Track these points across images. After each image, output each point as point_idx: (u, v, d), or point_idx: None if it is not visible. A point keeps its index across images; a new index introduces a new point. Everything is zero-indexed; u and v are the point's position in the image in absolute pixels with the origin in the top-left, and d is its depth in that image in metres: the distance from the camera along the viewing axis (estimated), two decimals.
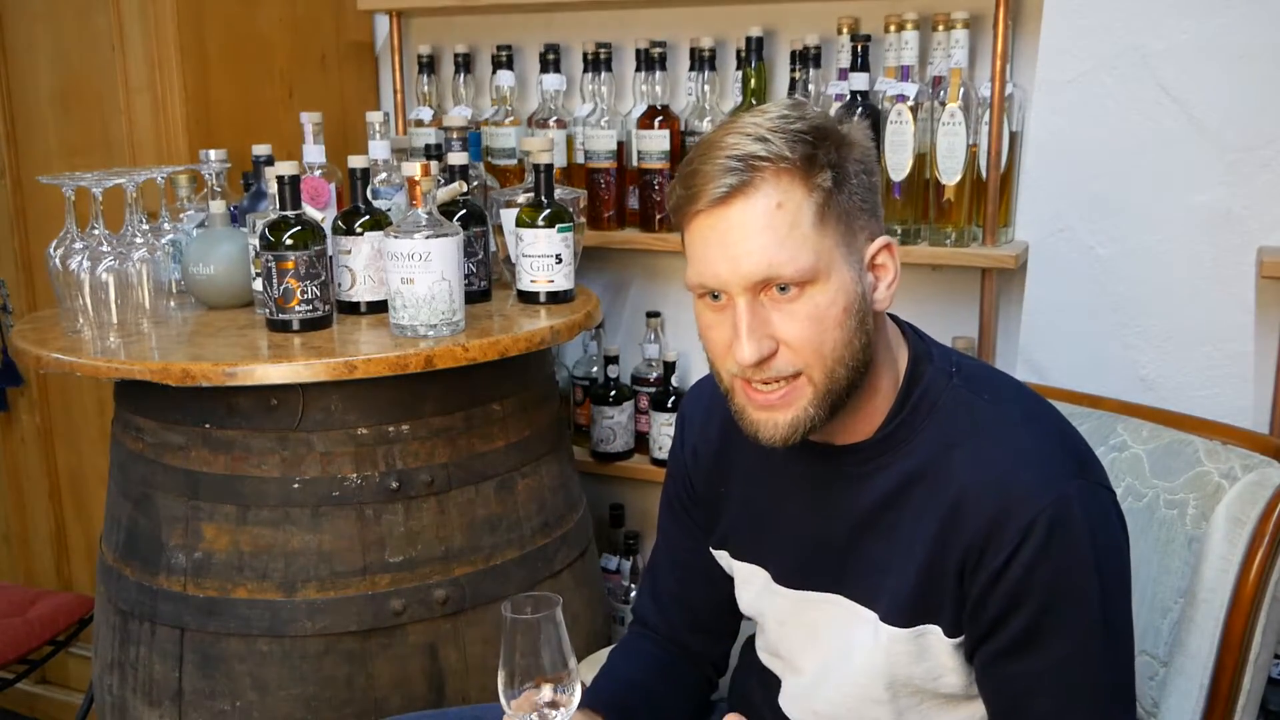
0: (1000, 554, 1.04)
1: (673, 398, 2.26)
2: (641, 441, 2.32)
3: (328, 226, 1.80)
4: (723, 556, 1.32)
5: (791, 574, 1.22)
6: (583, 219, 2.04)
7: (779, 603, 1.24)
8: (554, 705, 1.07)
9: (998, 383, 1.17)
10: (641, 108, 2.16)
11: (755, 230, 1.03)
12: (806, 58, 2.00)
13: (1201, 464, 1.36)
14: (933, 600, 1.10)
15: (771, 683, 1.29)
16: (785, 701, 1.27)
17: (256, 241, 1.73)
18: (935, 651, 1.12)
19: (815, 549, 1.19)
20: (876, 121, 1.90)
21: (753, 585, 1.27)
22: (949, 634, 1.10)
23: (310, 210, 1.79)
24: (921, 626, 1.11)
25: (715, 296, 1.07)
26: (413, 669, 1.65)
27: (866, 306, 1.08)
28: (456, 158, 1.91)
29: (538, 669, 1.06)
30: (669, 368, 2.27)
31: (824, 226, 1.04)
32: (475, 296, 1.87)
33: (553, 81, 2.21)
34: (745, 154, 1.02)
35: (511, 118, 2.27)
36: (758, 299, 1.04)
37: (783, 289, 1.04)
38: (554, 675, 1.06)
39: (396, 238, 1.64)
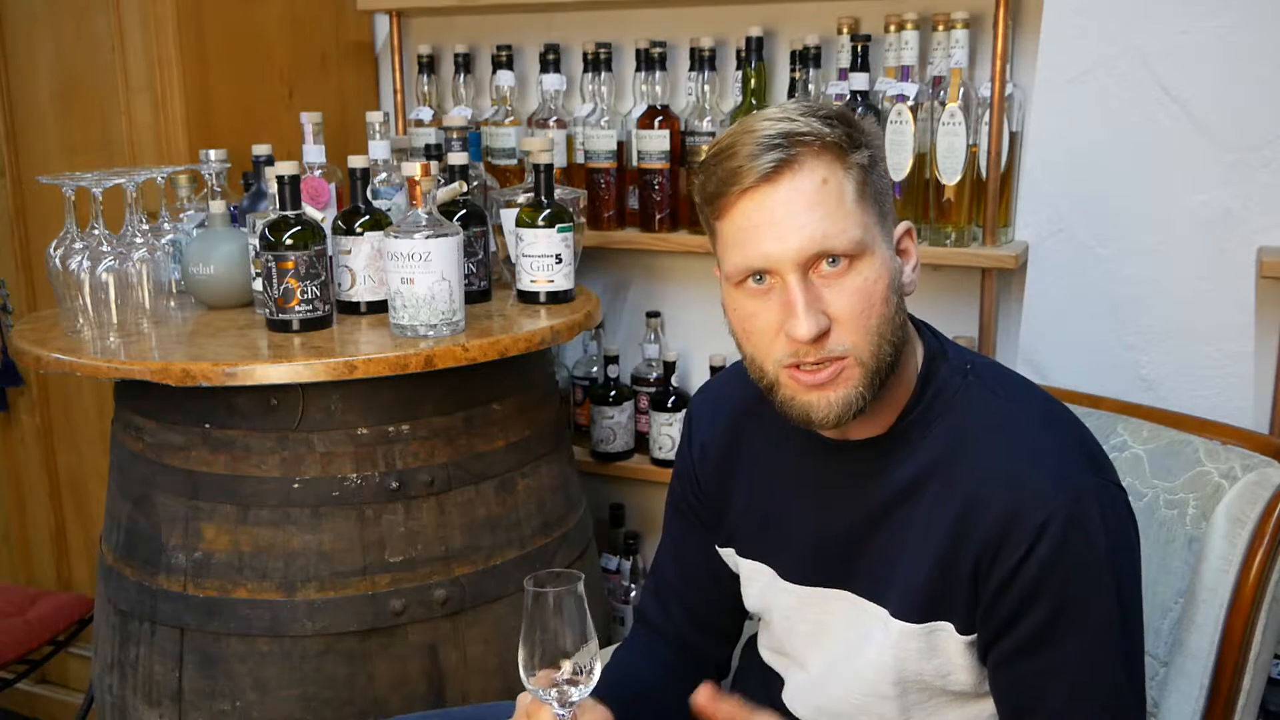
0: (1015, 551, 1.04)
1: (673, 398, 2.25)
2: (641, 441, 2.32)
3: (328, 226, 1.80)
4: (729, 554, 1.32)
5: (798, 570, 1.22)
6: (583, 219, 2.04)
7: (785, 599, 1.24)
8: (573, 682, 1.06)
9: (1012, 381, 1.18)
10: (641, 108, 2.16)
11: (804, 205, 1.03)
12: (806, 58, 2.00)
13: (1201, 464, 1.37)
14: (945, 597, 1.10)
15: (774, 681, 1.29)
16: (789, 698, 1.27)
17: (256, 241, 1.74)
18: (946, 649, 1.12)
19: (823, 545, 1.19)
20: (876, 121, 1.91)
21: (758, 582, 1.27)
22: (961, 631, 1.10)
23: (310, 210, 1.79)
24: (933, 623, 1.11)
25: (759, 280, 1.06)
26: (413, 669, 1.65)
27: (900, 287, 1.10)
28: (456, 158, 1.91)
29: (558, 646, 1.05)
30: (669, 368, 2.27)
31: (863, 203, 1.06)
32: (475, 296, 1.87)
33: (553, 81, 2.21)
34: (787, 131, 1.03)
35: (511, 118, 2.27)
36: (807, 277, 1.04)
37: (833, 262, 1.04)
38: (575, 652, 1.05)
39: (396, 238, 1.64)
